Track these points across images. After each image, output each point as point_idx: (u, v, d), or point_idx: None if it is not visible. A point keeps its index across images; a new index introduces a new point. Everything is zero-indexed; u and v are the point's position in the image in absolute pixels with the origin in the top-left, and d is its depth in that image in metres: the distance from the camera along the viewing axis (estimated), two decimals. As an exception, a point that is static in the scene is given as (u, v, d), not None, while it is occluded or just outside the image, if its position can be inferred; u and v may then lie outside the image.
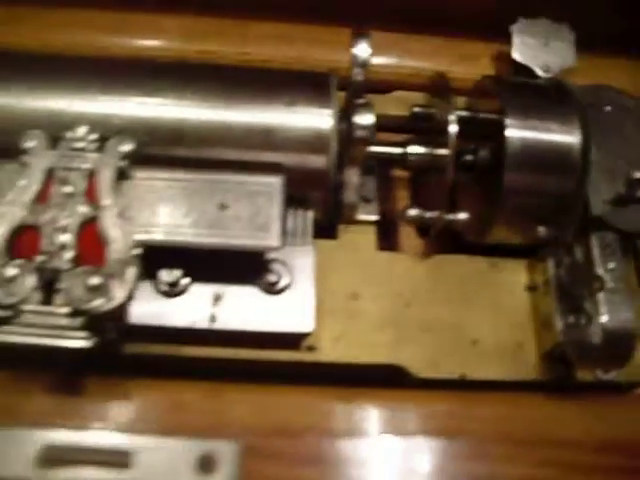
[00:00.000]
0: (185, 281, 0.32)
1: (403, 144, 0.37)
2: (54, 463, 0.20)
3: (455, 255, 0.38)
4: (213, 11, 0.38)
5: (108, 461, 0.20)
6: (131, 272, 0.28)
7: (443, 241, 0.37)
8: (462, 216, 0.34)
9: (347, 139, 0.33)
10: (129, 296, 0.28)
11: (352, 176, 0.35)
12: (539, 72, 0.37)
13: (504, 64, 0.39)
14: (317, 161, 0.33)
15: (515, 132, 0.34)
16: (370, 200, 0.37)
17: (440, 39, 0.40)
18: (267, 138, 0.33)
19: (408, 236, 0.38)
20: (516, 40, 0.37)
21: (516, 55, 0.37)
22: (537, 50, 0.37)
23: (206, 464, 0.20)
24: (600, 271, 0.32)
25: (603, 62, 0.40)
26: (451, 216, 0.34)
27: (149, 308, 0.31)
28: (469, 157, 0.36)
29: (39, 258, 0.29)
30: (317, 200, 0.34)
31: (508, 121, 0.34)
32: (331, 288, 0.35)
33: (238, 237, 0.30)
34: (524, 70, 0.37)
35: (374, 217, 0.37)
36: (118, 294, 0.28)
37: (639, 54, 0.41)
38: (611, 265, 0.32)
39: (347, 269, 0.36)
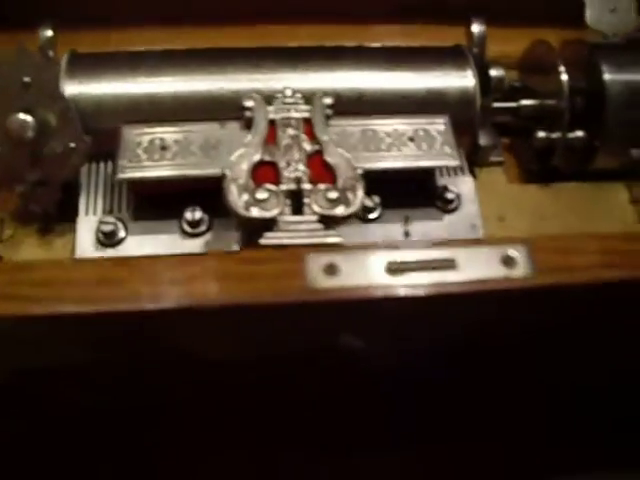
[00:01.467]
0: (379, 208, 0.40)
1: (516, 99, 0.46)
2: (398, 272, 0.27)
3: (565, 183, 0.47)
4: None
5: (438, 266, 0.27)
6: (359, 185, 0.36)
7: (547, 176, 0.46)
8: (579, 134, 0.44)
9: (483, 92, 0.42)
10: (361, 203, 0.36)
11: (487, 125, 0.44)
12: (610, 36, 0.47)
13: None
14: (466, 113, 0.42)
15: (612, 75, 0.44)
16: (497, 146, 0.46)
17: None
18: (427, 96, 0.42)
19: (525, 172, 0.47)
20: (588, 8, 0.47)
21: (590, 22, 0.47)
22: (605, 15, 0.47)
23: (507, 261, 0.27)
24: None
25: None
26: (571, 135, 0.43)
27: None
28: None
29: (285, 184, 0.36)
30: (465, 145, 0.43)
31: (603, 61, 0.43)
32: (483, 214, 0.43)
33: (428, 159, 0.39)
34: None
35: (501, 158, 0.46)
36: (353, 202, 0.36)
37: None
38: None
39: (490, 199, 0.44)
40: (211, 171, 0.37)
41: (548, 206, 0.46)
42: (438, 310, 0.28)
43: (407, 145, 0.39)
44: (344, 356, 0.30)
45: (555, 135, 0.43)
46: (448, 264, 0.28)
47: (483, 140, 0.45)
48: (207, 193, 0.36)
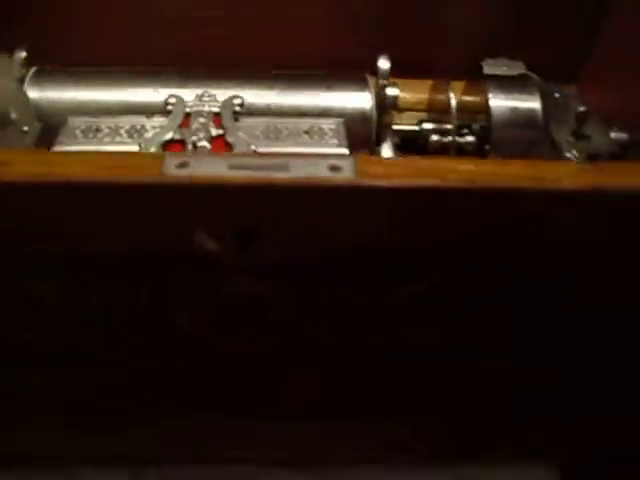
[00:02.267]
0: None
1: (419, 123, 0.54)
2: (236, 168, 0.33)
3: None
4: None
5: (272, 167, 0.33)
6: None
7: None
8: (469, 138, 0.50)
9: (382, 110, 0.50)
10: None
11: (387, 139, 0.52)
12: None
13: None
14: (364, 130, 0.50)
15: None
16: None
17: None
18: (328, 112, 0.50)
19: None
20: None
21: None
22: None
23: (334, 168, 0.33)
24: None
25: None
26: (461, 139, 0.50)
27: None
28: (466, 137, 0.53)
29: None
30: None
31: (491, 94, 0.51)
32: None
33: (317, 147, 0.46)
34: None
35: None
36: None
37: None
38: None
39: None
40: (130, 147, 0.45)
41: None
42: (271, 203, 0.34)
43: (302, 136, 0.47)
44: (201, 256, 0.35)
45: (447, 139, 0.50)
46: (281, 166, 0.34)
47: (385, 152, 0.52)
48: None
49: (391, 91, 0.50)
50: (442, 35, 0.59)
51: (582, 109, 0.50)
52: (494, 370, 0.43)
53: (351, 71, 0.53)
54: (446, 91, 0.52)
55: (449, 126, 0.52)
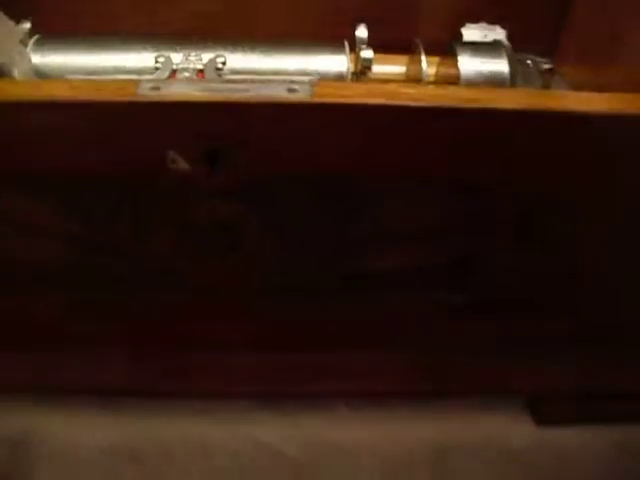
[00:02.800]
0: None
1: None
2: (205, 91, 0.38)
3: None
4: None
5: (239, 90, 0.37)
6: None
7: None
8: None
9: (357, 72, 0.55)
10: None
11: None
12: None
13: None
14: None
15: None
16: None
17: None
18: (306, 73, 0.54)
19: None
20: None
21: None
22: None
23: (291, 90, 0.37)
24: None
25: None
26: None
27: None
28: None
29: None
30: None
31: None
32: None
33: None
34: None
35: None
36: None
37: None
38: None
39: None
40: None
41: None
42: (234, 121, 0.38)
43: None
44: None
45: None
46: (244, 89, 0.38)
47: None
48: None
49: (365, 53, 0.54)
50: (422, 13, 0.64)
51: (548, 66, 0.53)
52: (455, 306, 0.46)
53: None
54: (420, 62, 0.56)
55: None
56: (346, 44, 0.55)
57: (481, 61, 0.55)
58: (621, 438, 0.51)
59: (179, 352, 0.48)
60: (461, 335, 0.48)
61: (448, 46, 0.57)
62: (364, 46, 0.54)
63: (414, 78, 0.57)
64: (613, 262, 0.45)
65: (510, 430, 0.50)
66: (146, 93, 0.37)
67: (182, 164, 0.39)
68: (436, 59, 0.58)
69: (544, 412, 0.50)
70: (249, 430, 0.49)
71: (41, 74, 0.53)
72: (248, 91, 0.37)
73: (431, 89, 0.42)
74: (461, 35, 0.61)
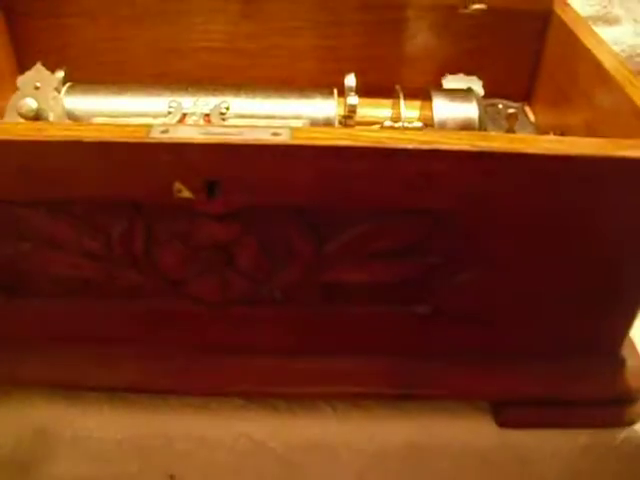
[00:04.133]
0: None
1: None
2: (207, 135, 0.48)
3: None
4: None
5: (231, 134, 0.47)
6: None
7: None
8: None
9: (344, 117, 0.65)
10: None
11: None
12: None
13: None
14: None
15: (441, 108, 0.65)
16: None
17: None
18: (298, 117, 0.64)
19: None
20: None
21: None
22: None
23: (275, 134, 0.47)
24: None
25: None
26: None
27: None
28: None
29: None
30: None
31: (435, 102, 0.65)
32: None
33: None
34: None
35: None
36: None
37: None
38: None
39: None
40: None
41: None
42: (229, 158, 0.48)
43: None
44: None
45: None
46: (238, 132, 0.48)
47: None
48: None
49: (351, 100, 0.64)
50: (407, 63, 0.74)
51: (512, 111, 0.63)
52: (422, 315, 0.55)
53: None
54: (399, 106, 0.66)
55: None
56: (335, 91, 0.65)
57: (453, 106, 0.64)
58: (580, 441, 0.59)
59: (182, 354, 0.57)
60: (428, 343, 0.56)
61: (426, 92, 0.67)
62: (352, 93, 0.64)
63: (396, 120, 0.67)
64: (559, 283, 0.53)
65: (475, 431, 0.58)
66: (157, 135, 0.47)
67: (186, 193, 0.49)
68: (417, 103, 0.68)
69: (506, 416, 0.58)
70: (243, 427, 0.58)
71: (72, 117, 0.63)
72: (241, 134, 0.47)
73: (387, 132, 0.51)
74: (441, 85, 0.71)
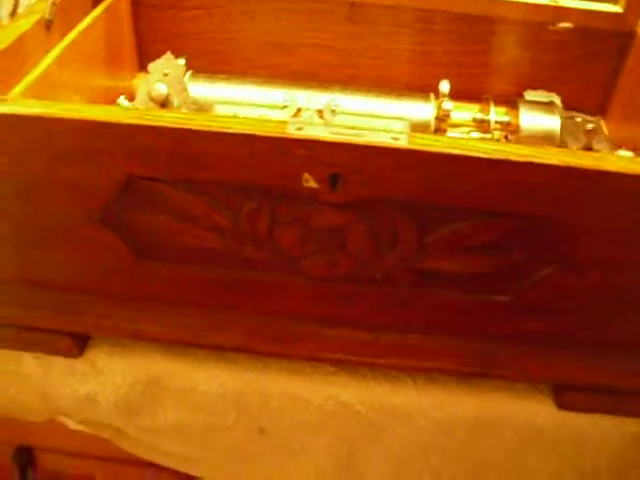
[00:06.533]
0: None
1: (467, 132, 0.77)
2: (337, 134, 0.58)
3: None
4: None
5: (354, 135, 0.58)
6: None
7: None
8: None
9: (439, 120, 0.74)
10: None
11: None
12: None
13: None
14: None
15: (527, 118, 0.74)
16: None
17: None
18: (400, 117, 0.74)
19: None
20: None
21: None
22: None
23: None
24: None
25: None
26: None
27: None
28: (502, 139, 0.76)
29: None
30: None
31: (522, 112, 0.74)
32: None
33: None
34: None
35: None
36: None
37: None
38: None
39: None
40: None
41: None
42: (352, 156, 0.57)
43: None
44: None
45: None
46: (361, 134, 0.58)
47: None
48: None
49: (446, 105, 0.74)
50: (492, 71, 0.83)
51: (590, 127, 0.72)
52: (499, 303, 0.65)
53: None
54: (489, 112, 0.75)
55: (489, 136, 0.75)
56: (432, 96, 0.75)
57: (538, 116, 0.74)
58: (631, 429, 0.68)
59: (285, 322, 0.67)
60: (503, 329, 0.66)
61: (513, 102, 0.76)
62: (446, 99, 0.73)
63: (483, 126, 0.76)
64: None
65: (536, 410, 0.68)
66: (293, 132, 0.57)
67: (313, 183, 0.59)
68: (503, 110, 0.77)
69: (565, 399, 0.68)
70: (333, 390, 0.68)
71: (196, 103, 0.73)
72: (364, 136, 0.57)
73: (492, 144, 0.60)
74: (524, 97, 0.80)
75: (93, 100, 0.73)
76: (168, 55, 0.73)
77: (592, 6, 0.77)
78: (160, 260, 0.65)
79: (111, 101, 0.75)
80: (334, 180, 0.58)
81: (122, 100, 0.75)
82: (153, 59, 0.82)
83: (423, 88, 0.80)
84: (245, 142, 0.56)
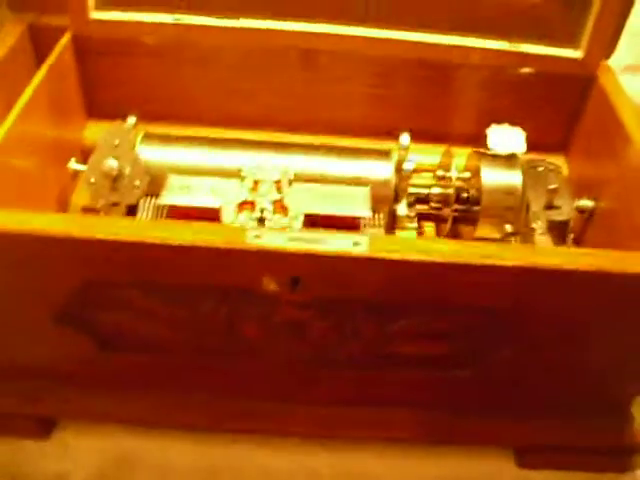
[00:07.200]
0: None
1: (429, 187, 0.77)
2: (293, 241, 0.58)
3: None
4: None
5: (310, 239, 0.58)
6: (301, 219, 0.67)
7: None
8: (460, 207, 0.73)
9: (399, 180, 0.74)
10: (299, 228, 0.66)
11: (402, 201, 0.75)
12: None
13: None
14: (385, 193, 0.73)
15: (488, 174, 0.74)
16: (412, 217, 0.76)
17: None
18: (359, 180, 0.73)
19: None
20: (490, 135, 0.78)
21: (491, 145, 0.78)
22: (502, 142, 0.78)
23: (356, 243, 0.57)
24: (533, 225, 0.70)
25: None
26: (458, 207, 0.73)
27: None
28: (464, 195, 0.76)
29: (256, 213, 0.67)
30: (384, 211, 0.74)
31: (483, 168, 0.74)
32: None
33: (348, 211, 0.69)
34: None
35: (414, 225, 0.76)
36: (294, 228, 0.66)
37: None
38: (539, 222, 0.70)
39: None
40: (215, 205, 0.68)
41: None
42: (312, 263, 0.57)
43: (339, 201, 0.70)
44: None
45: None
46: (321, 240, 0.57)
47: (401, 210, 0.75)
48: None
49: (407, 165, 0.73)
50: (455, 111, 0.82)
51: (553, 187, 0.72)
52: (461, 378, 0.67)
53: (380, 146, 0.77)
54: (450, 166, 0.75)
55: (450, 190, 0.75)
56: (392, 153, 0.74)
57: (499, 172, 0.74)
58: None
59: (251, 402, 0.69)
60: (464, 400, 0.68)
61: (473, 155, 0.76)
62: (404, 152, 0.73)
63: (445, 170, 0.76)
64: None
65: (497, 470, 0.71)
66: (251, 241, 0.57)
67: (273, 286, 0.59)
68: (465, 151, 0.77)
69: (526, 459, 0.71)
70: (301, 459, 0.70)
71: (148, 169, 0.72)
72: (325, 243, 0.57)
73: (455, 245, 0.60)
74: (486, 135, 0.79)
75: (44, 160, 0.72)
76: (117, 124, 0.71)
77: (553, 52, 0.76)
78: (123, 350, 0.65)
79: (63, 158, 0.73)
80: (295, 283, 0.58)
81: (73, 164, 0.73)
82: (103, 107, 0.80)
83: (384, 129, 0.79)
84: (202, 253, 0.56)
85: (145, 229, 0.57)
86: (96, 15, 0.75)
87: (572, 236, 0.75)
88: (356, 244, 0.56)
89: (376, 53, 0.76)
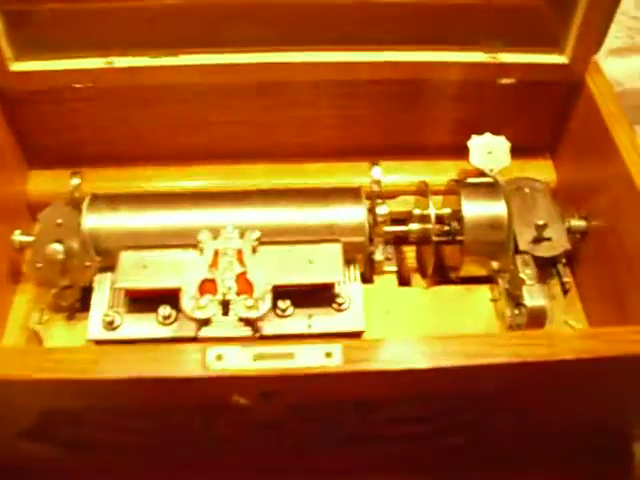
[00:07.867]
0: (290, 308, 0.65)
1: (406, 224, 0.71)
2: (259, 359, 0.53)
3: (445, 286, 0.71)
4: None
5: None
6: (268, 296, 0.62)
7: (437, 280, 0.71)
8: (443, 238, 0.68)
9: (374, 223, 0.68)
10: (268, 309, 0.61)
11: (379, 245, 0.69)
12: (487, 172, 0.71)
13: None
14: (359, 238, 0.67)
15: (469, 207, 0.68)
16: (390, 259, 0.71)
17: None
18: (330, 228, 0.67)
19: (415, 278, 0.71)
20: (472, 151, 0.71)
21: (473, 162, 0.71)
22: (485, 157, 0.71)
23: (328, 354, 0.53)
24: (522, 275, 0.64)
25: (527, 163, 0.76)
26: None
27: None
28: (446, 228, 0.70)
29: (219, 295, 0.62)
30: (360, 260, 0.68)
31: (464, 201, 0.68)
32: (373, 309, 0.68)
33: (319, 277, 0.64)
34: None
35: (393, 268, 0.71)
36: (262, 308, 0.61)
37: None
38: (527, 271, 0.64)
39: (381, 298, 0.69)
40: (174, 285, 0.63)
41: (427, 303, 0.70)
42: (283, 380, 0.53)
43: (308, 266, 0.64)
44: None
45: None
46: (289, 355, 0.53)
47: (378, 256, 0.69)
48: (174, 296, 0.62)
49: (381, 210, 0.67)
50: (434, 123, 0.75)
51: (541, 223, 0.66)
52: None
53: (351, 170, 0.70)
54: (427, 200, 0.69)
55: (430, 226, 0.69)
56: (362, 195, 0.68)
57: (481, 204, 0.68)
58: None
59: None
60: (455, 461, 0.66)
61: (451, 183, 0.70)
62: (380, 201, 0.67)
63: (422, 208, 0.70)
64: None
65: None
66: (213, 366, 0.52)
67: (242, 401, 0.55)
68: (440, 198, 0.71)
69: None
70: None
71: (97, 242, 0.66)
72: (293, 358, 0.53)
73: (439, 342, 0.55)
74: (468, 149, 0.72)
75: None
76: (57, 203, 0.65)
77: (536, 59, 0.68)
78: (85, 450, 0.63)
79: (8, 214, 0.70)
80: (266, 397, 0.54)
81: (17, 236, 0.67)
82: (44, 156, 0.74)
83: (351, 150, 0.72)
84: (159, 385, 0.52)
85: (92, 362, 0.52)
86: (17, 67, 0.66)
87: (564, 261, 0.70)
88: (328, 355, 0.52)
89: (337, 77, 0.68)
